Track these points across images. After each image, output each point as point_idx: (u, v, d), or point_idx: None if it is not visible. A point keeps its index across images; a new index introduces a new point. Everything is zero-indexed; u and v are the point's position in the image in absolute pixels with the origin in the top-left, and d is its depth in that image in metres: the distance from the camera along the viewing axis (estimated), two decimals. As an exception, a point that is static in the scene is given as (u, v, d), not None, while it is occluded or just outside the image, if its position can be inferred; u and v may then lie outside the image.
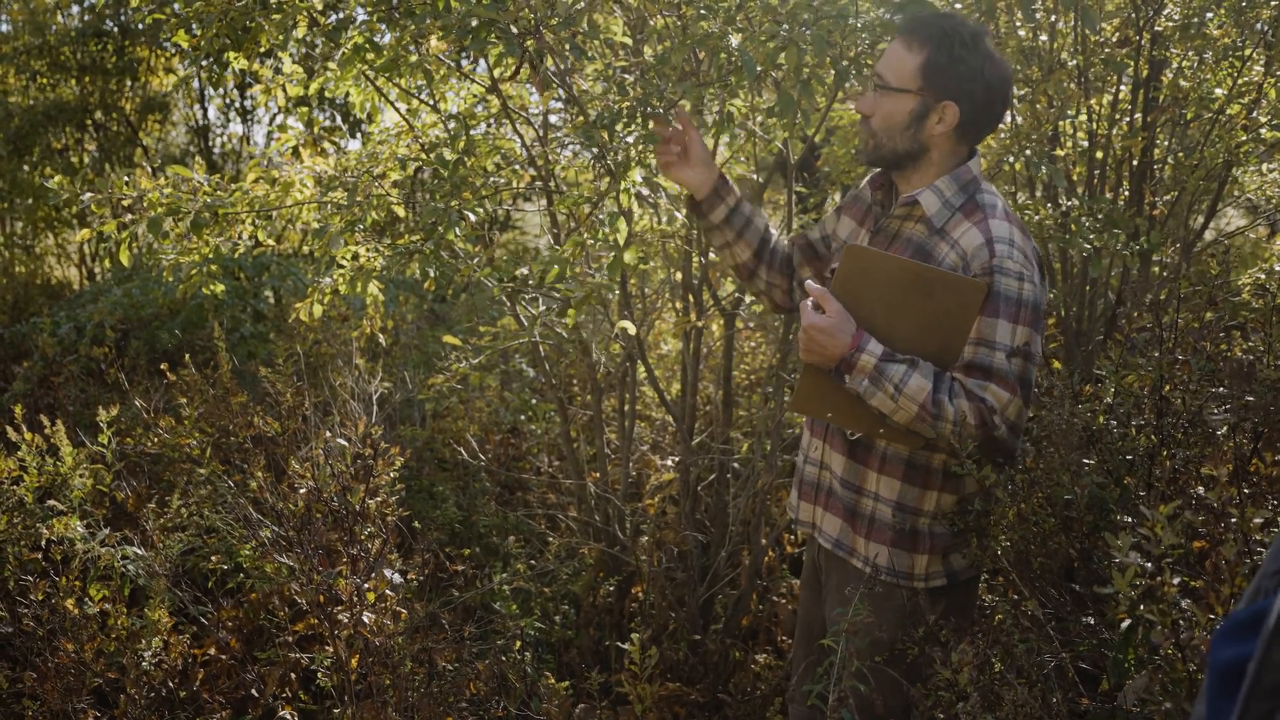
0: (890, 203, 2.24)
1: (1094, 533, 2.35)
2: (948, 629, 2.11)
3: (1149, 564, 1.63)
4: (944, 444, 2.04)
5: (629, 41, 2.95)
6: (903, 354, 2.03)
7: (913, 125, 2.10)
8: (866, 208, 2.32)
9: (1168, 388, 2.31)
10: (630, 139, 2.46)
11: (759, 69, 2.40)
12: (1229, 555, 1.52)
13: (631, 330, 2.94)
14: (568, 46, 2.45)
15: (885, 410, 2.02)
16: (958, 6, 2.95)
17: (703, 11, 2.44)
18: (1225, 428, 2.27)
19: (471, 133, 3.07)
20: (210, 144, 8.11)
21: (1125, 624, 1.85)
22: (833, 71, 2.50)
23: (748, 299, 3.46)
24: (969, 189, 2.11)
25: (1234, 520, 1.67)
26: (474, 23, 2.38)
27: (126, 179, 3.05)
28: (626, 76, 3.07)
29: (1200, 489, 2.25)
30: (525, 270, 2.64)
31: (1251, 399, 2.09)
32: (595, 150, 2.52)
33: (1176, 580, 1.67)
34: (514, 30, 2.35)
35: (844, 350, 2.01)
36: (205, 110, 8.05)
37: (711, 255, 3.20)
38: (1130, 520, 2.29)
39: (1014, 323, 2.02)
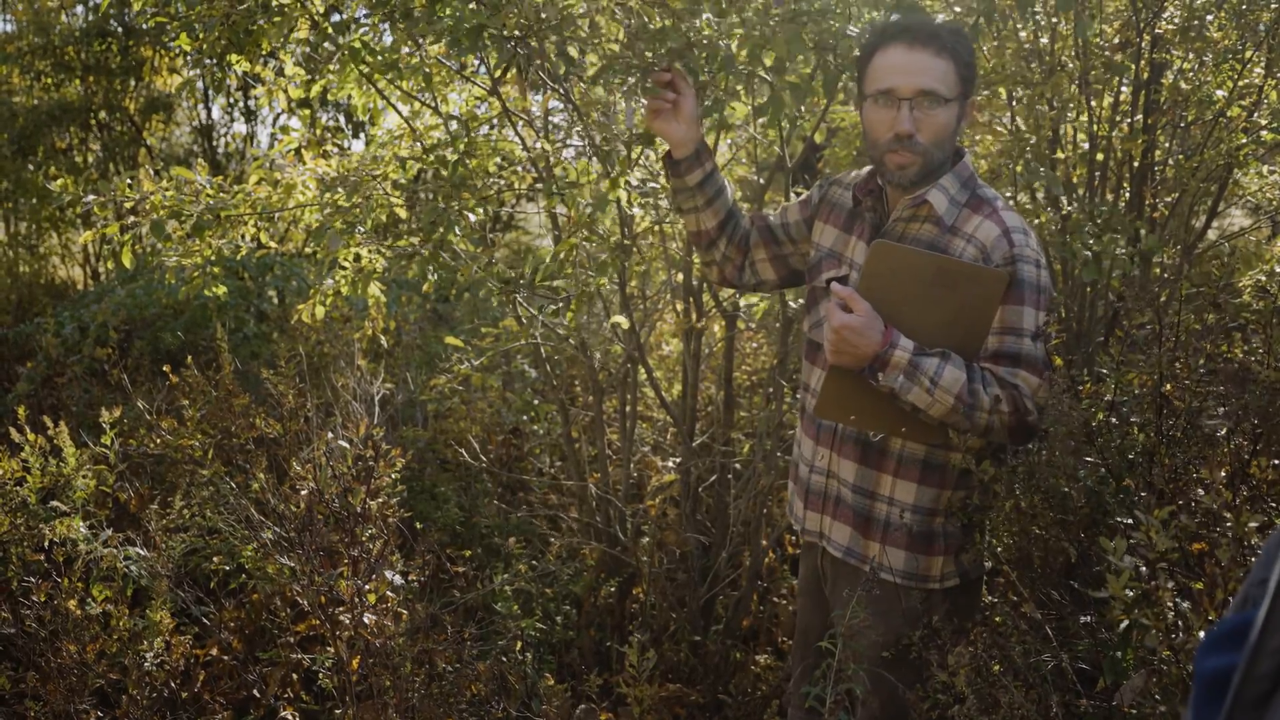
0: (882, 207, 2.24)
1: (1092, 530, 2.36)
2: (946, 631, 2.11)
3: (1144, 568, 1.64)
4: (975, 435, 2.04)
5: (615, 48, 2.96)
6: (930, 348, 2.03)
7: (956, 132, 2.12)
8: (848, 214, 2.31)
9: (1168, 386, 2.32)
10: (632, 101, 2.46)
11: (744, 67, 2.40)
12: (1224, 559, 1.53)
13: (624, 324, 2.94)
14: (554, 54, 2.45)
15: (921, 404, 2.01)
16: (957, 10, 2.95)
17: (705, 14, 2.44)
18: (1224, 430, 2.27)
19: (473, 134, 3.08)
20: (214, 144, 8.12)
21: (1123, 624, 1.85)
22: (822, 75, 2.49)
23: (744, 301, 3.46)
24: (969, 185, 2.14)
25: (1229, 525, 1.68)
26: (465, 27, 2.39)
27: (130, 181, 3.07)
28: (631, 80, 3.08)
29: (1199, 490, 2.25)
30: (516, 270, 2.64)
31: (1248, 398, 2.10)
32: (588, 141, 2.52)
33: (1172, 584, 1.67)
34: (505, 35, 2.35)
35: (876, 348, 1.99)
36: (209, 110, 8.07)
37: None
38: (1126, 521, 2.29)
39: (1036, 308, 2.06)
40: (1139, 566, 1.66)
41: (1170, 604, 1.65)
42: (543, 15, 2.28)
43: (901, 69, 2.07)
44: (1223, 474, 1.78)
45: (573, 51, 2.51)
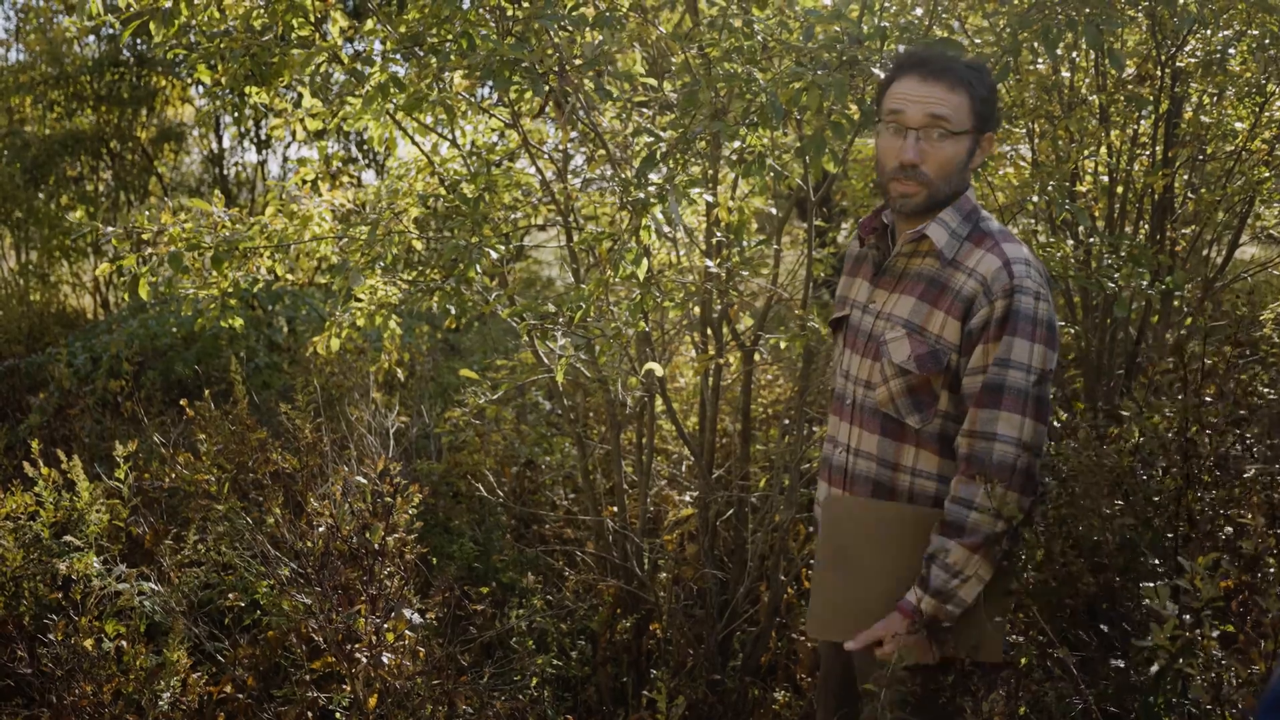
0: (885, 243, 2.23)
1: (1123, 574, 2.32)
2: (978, 675, 2.08)
3: (1187, 616, 1.60)
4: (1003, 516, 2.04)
5: (652, 81, 2.95)
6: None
7: (966, 165, 2.10)
8: (856, 256, 2.32)
9: (1194, 428, 2.29)
10: (656, 176, 2.46)
11: (783, 109, 2.40)
12: (1273, 610, 1.49)
13: (659, 372, 2.92)
14: (591, 86, 2.46)
15: (976, 588, 2.04)
16: (977, 43, 2.95)
17: (730, 54, 2.44)
18: (1253, 470, 2.24)
19: (492, 169, 3.08)
20: (225, 172, 8.14)
21: (1155, 668, 1.82)
22: (857, 110, 2.49)
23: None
24: (971, 217, 2.12)
25: (1271, 570, 1.64)
26: (499, 60, 2.40)
27: (148, 213, 3.06)
28: (647, 111, 3.07)
29: (1229, 528, 2.22)
30: (553, 308, 2.62)
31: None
32: (619, 188, 2.52)
33: (1217, 634, 1.64)
34: (538, 70, 2.36)
35: (914, 617, 2.05)
36: (220, 138, 8.09)
37: (732, 292, 3.19)
38: (1158, 562, 2.26)
39: (1031, 340, 2.02)
40: (1183, 615, 1.62)
41: (1214, 655, 1.62)
42: (577, 52, 2.28)
43: (913, 98, 2.07)
44: (1261, 518, 1.75)
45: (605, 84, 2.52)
